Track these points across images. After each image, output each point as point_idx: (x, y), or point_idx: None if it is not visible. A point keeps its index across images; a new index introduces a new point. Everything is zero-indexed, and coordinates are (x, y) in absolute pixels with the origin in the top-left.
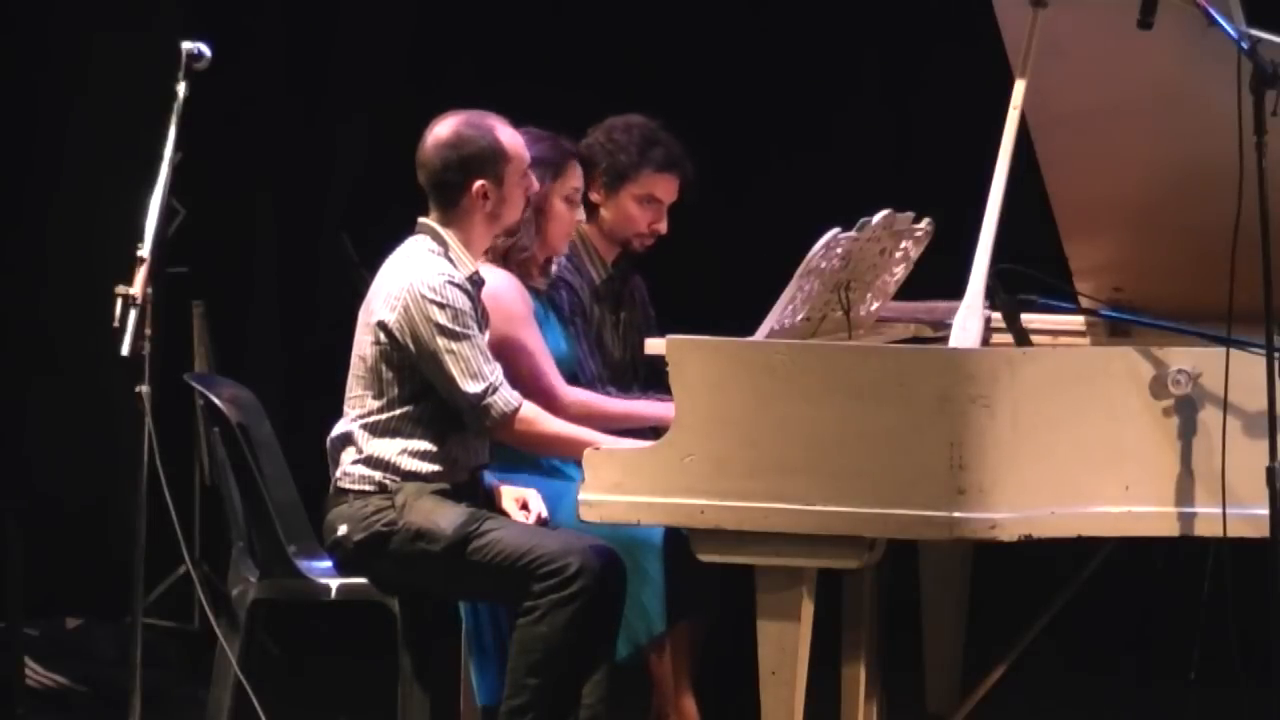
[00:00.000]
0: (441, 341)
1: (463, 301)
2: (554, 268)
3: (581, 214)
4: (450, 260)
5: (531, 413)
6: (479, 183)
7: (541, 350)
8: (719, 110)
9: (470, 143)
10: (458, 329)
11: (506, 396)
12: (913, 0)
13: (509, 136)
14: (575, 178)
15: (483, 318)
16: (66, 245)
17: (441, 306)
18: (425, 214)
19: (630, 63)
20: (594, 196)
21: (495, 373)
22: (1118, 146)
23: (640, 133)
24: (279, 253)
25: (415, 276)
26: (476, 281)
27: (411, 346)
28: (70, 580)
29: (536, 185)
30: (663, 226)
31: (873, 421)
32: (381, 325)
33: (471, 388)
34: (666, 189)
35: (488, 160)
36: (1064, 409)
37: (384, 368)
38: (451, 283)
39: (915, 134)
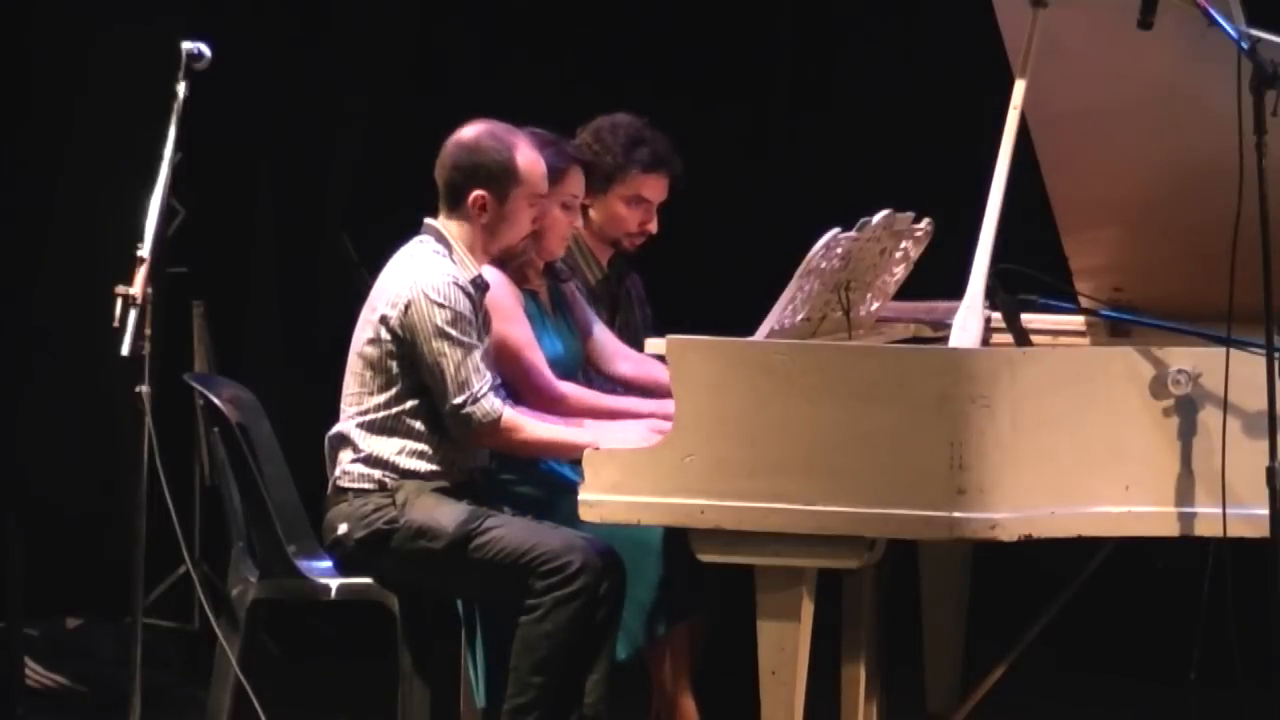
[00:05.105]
0: (437, 344)
1: (465, 305)
2: (557, 263)
3: (579, 219)
4: (454, 263)
5: (515, 420)
6: (478, 192)
7: (533, 346)
8: (719, 108)
9: (485, 152)
10: (455, 334)
11: (486, 407)
12: (912, 1)
13: (528, 160)
14: (574, 184)
15: (484, 322)
16: (66, 245)
17: (442, 307)
18: (430, 214)
19: (632, 57)
20: (583, 199)
21: (482, 384)
22: (1118, 146)
23: (626, 133)
24: (279, 253)
25: (420, 276)
26: (480, 285)
27: (411, 345)
28: (70, 580)
29: (547, 214)
30: (653, 226)
31: (873, 421)
32: (384, 322)
33: (455, 397)
34: (654, 189)
35: (495, 175)
36: (1064, 409)
37: (383, 365)
38: (456, 284)
39: (916, 134)
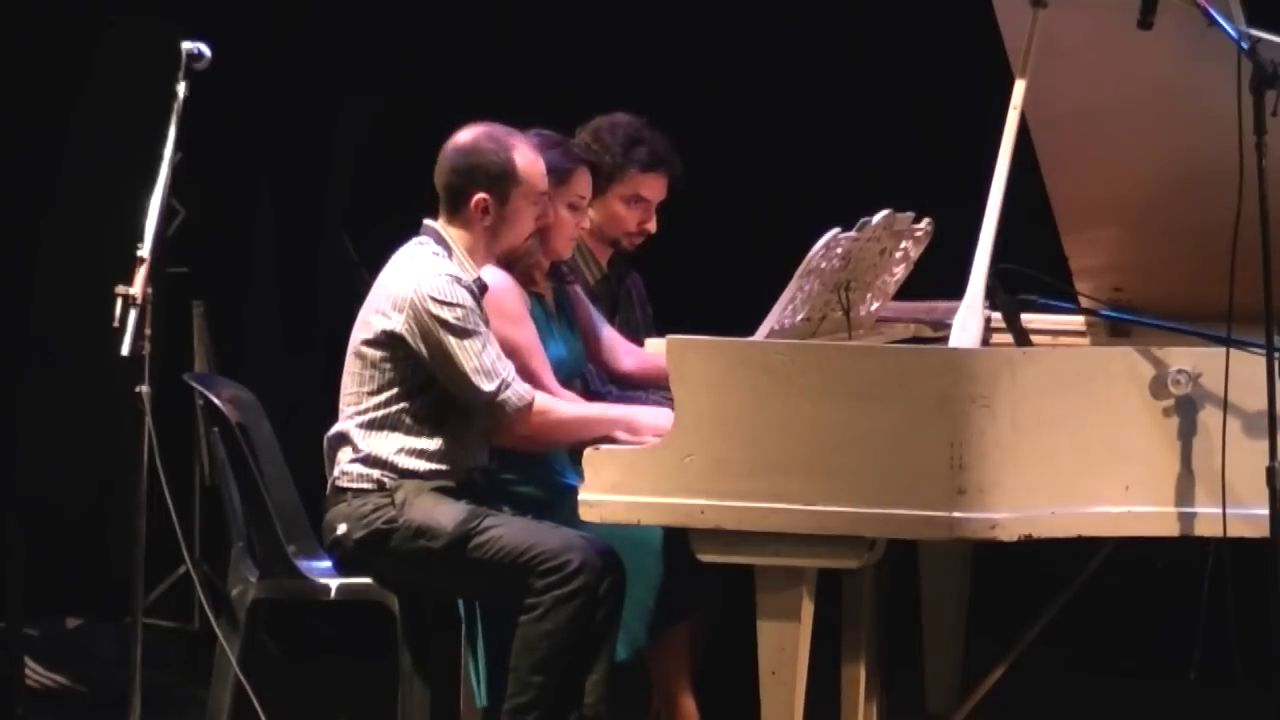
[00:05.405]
0: (453, 340)
1: (469, 299)
2: (561, 264)
3: (586, 221)
4: (453, 264)
5: (546, 402)
6: (480, 195)
7: (537, 350)
8: (719, 108)
9: (483, 155)
10: (468, 327)
11: (519, 391)
12: (912, 0)
13: (526, 160)
14: (581, 185)
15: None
16: (66, 245)
17: (449, 306)
18: (430, 214)
19: (632, 57)
20: None
21: (508, 369)
22: (1118, 146)
23: (625, 132)
24: (279, 253)
25: (420, 279)
26: (480, 286)
27: (423, 350)
28: (70, 580)
29: (551, 214)
30: (652, 225)
31: (873, 421)
32: (384, 323)
33: (486, 385)
34: (653, 188)
35: (495, 177)
36: (1064, 409)
37: (381, 365)
38: (458, 281)
39: (915, 134)
